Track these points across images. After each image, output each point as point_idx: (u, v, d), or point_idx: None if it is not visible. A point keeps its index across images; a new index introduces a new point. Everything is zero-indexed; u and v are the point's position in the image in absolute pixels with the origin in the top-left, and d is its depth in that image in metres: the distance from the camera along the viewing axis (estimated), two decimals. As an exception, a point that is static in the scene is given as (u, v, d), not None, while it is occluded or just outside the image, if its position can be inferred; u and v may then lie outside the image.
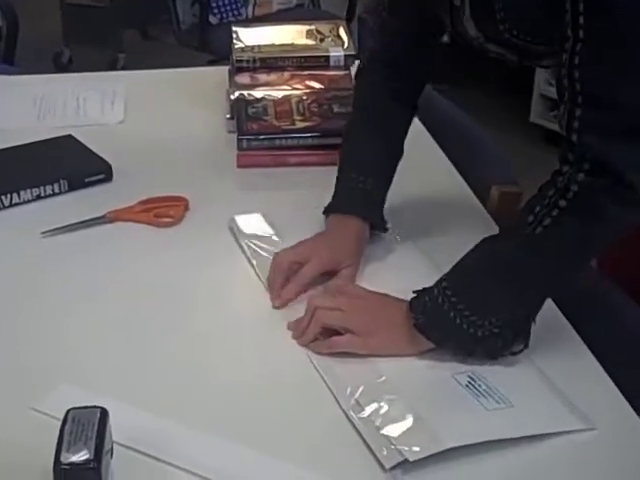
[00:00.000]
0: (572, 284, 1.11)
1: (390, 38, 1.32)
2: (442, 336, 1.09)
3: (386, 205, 1.33)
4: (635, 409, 1.04)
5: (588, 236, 1.05)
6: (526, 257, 1.06)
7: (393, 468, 0.95)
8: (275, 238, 1.35)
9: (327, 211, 1.33)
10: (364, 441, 0.99)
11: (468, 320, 1.07)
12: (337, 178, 1.34)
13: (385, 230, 1.33)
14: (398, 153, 1.35)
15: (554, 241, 1.05)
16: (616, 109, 1.00)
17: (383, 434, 0.99)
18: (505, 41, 1.12)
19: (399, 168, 1.35)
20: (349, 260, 1.25)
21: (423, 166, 1.55)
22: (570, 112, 1.02)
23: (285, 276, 1.22)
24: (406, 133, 1.35)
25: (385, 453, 0.96)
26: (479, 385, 1.06)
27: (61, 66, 4.08)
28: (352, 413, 1.02)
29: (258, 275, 1.27)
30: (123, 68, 3.83)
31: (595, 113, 1.01)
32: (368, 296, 1.17)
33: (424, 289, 1.12)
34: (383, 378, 1.07)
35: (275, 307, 1.21)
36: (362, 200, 1.31)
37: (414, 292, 1.13)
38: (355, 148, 1.35)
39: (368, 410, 1.02)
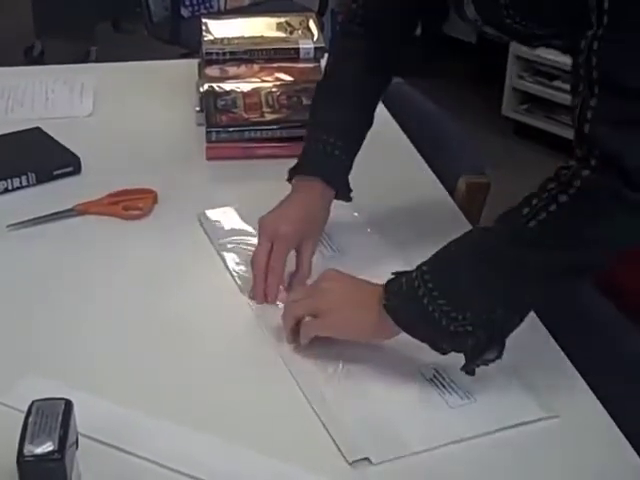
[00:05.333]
0: (559, 292, 1.04)
1: None
2: (411, 321, 1.02)
3: (355, 196, 1.32)
4: (598, 397, 1.05)
5: (586, 238, 0.96)
6: (513, 250, 0.98)
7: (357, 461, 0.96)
8: (250, 230, 1.33)
9: (291, 173, 1.29)
10: (331, 437, 0.99)
11: (442, 310, 1.00)
12: (305, 139, 1.30)
13: (349, 200, 1.30)
14: (368, 123, 1.32)
15: (547, 237, 0.97)
16: (633, 99, 0.92)
17: (349, 432, 0.99)
18: (505, 26, 1.08)
19: (367, 160, 1.34)
20: (311, 231, 1.23)
21: (391, 158, 1.56)
22: (584, 102, 0.95)
23: (264, 273, 1.20)
24: (377, 104, 1.33)
25: (350, 451, 0.97)
26: (443, 378, 1.06)
27: (33, 59, 4.04)
28: (318, 409, 1.02)
29: (229, 269, 1.27)
30: (95, 61, 3.81)
31: (610, 102, 0.94)
32: (339, 278, 1.11)
33: (403, 272, 1.06)
34: (350, 375, 1.07)
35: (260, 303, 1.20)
36: (328, 163, 1.27)
37: (392, 274, 1.07)
38: (326, 112, 1.31)
39: (334, 407, 1.02)
